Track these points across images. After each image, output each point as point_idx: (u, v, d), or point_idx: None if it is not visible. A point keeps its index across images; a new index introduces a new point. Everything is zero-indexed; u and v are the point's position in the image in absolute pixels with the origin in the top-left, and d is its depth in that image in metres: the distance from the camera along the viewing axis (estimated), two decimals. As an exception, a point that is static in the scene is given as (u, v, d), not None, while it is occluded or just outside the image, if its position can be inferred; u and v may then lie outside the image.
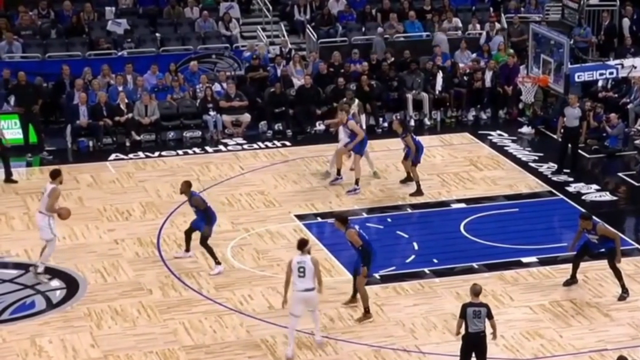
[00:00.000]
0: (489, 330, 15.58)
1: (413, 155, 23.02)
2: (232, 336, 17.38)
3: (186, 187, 19.64)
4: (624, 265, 19.19)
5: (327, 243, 20.80)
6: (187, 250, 19.97)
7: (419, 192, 23.02)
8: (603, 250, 18.67)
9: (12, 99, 26.25)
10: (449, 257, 20.19)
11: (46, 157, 25.47)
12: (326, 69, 28.74)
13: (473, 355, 15.57)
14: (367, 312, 17.84)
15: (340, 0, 31.74)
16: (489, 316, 15.43)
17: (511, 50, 29.58)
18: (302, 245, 16.74)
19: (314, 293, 16.62)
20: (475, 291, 15.50)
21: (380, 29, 30.42)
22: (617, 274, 18.57)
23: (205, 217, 19.53)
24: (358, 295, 18.06)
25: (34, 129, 25.79)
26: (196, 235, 19.68)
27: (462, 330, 15.54)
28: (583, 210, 21.58)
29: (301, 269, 16.45)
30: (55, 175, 19.26)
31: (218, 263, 19.53)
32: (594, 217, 18.96)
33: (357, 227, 18.07)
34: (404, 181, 23.65)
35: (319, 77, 28.60)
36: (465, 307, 15.43)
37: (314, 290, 16.59)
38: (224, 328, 17.62)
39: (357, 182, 23.20)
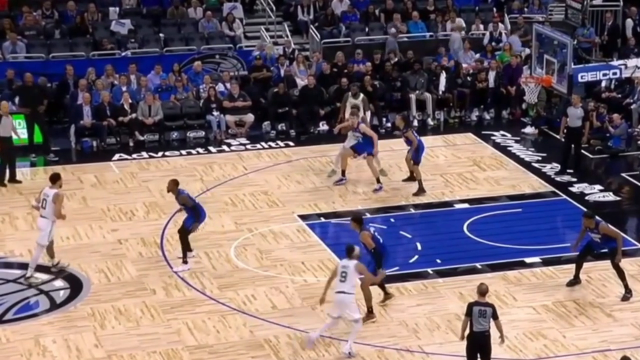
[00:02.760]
0: (495, 332, 15.58)
1: (413, 151, 23.05)
2: (235, 336, 17.40)
3: (173, 185, 19.78)
4: (627, 266, 19.23)
5: (330, 243, 20.83)
6: (189, 250, 20.02)
7: (421, 190, 23.06)
8: (606, 250, 18.67)
9: (16, 100, 26.25)
10: (452, 257, 20.20)
11: (52, 158, 25.43)
12: (329, 69, 28.76)
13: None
14: (370, 312, 17.87)
15: (344, 0, 31.76)
16: (494, 316, 15.46)
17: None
18: (350, 251, 17.00)
19: (348, 297, 16.70)
20: (482, 291, 15.54)
21: (392, 30, 30.39)
22: (621, 275, 18.57)
23: (194, 214, 19.65)
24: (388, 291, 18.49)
25: (39, 129, 25.81)
26: (194, 235, 19.76)
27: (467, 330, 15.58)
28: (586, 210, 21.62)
29: (343, 274, 16.76)
30: (55, 179, 19.25)
31: (185, 262, 19.61)
32: (596, 216, 18.97)
33: (372, 229, 18.16)
34: (407, 180, 23.70)
35: (322, 78, 28.61)
36: (471, 305, 15.48)
37: (348, 295, 16.68)
38: (228, 328, 17.65)
39: (378, 180, 23.34)
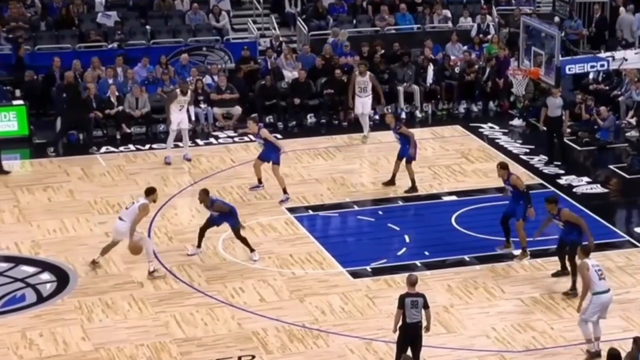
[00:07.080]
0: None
1: (410, 147, 22.57)
2: (223, 329, 17.43)
3: (204, 195, 19.42)
4: (615, 258, 19.38)
5: (318, 236, 20.86)
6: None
7: (413, 188, 22.87)
8: (573, 239, 18.25)
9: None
10: (440, 249, 20.23)
11: (51, 153, 25.26)
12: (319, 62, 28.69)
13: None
14: (524, 251, 19.53)
15: (331, -8, 31.76)
16: (425, 306, 15.45)
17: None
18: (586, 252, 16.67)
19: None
20: (412, 281, 15.52)
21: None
22: (573, 269, 18.18)
23: (233, 217, 19.53)
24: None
25: (85, 128, 25.62)
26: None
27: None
28: (574, 202, 21.67)
29: (600, 272, 16.34)
30: (148, 193, 19.18)
31: (251, 251, 19.66)
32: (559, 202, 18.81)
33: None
34: (387, 184, 23.16)
35: (312, 70, 28.58)
36: (403, 297, 15.42)
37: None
38: (216, 321, 17.67)
39: (285, 191, 22.47)
